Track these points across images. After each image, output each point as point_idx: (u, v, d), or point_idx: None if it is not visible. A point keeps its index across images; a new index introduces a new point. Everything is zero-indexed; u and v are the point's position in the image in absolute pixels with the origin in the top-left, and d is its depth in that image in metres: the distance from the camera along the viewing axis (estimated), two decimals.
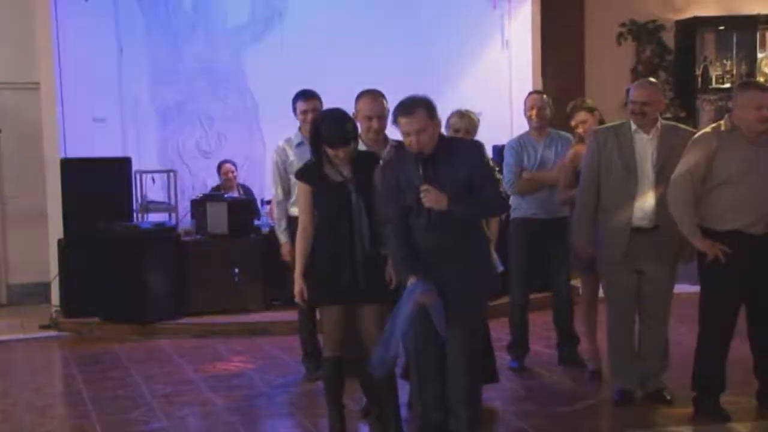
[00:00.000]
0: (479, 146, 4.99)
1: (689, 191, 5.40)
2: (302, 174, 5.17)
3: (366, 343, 5.10)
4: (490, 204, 4.92)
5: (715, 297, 5.48)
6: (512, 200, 6.61)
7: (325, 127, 4.97)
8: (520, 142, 6.86)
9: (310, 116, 6.44)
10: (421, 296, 4.68)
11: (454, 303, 4.75)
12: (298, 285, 5.15)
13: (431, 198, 4.68)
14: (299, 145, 6.60)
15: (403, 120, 4.75)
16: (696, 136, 5.59)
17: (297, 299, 5.22)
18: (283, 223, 6.66)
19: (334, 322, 5.11)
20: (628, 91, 6.07)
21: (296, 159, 6.50)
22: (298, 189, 5.24)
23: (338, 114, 5.04)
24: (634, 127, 5.77)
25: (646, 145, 5.73)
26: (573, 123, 6.60)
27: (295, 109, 6.68)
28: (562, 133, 6.94)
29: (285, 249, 6.61)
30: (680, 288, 6.74)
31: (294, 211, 6.43)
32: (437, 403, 4.93)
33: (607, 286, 5.99)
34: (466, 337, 4.83)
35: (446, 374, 4.88)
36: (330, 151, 4.96)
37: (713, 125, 5.67)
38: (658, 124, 5.80)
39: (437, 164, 4.76)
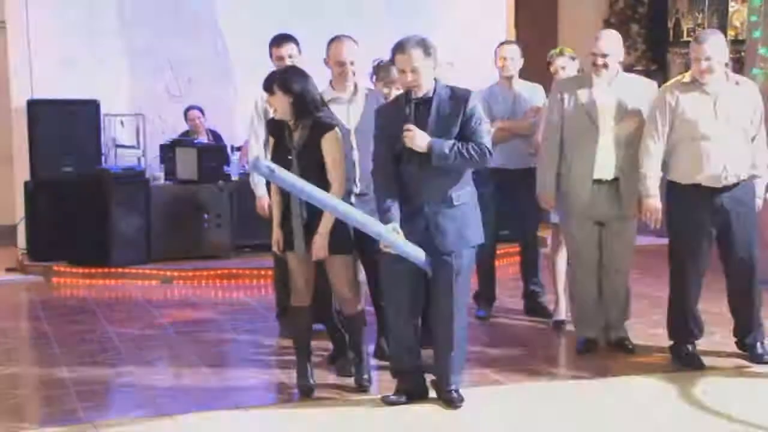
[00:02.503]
0: (468, 95, 4.95)
1: (650, 144, 5.51)
2: (269, 125, 5.25)
3: (338, 296, 5.18)
4: (474, 155, 4.84)
5: (683, 248, 5.55)
6: None
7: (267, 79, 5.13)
8: (491, 92, 6.81)
9: (286, 62, 6.31)
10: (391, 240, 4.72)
11: (441, 251, 4.81)
12: (276, 234, 5.17)
13: (412, 137, 4.69)
14: None
15: (398, 57, 4.79)
16: (660, 88, 5.67)
17: (274, 248, 5.24)
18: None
19: (298, 273, 5.14)
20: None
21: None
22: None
23: (285, 71, 5.13)
24: (595, 78, 5.77)
25: (607, 97, 5.73)
26: (552, 69, 6.57)
27: (271, 55, 6.47)
28: (531, 83, 6.92)
29: (263, 202, 6.43)
30: (646, 240, 6.84)
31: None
32: (410, 343, 4.98)
33: (569, 238, 6.04)
34: (456, 283, 4.88)
35: (419, 317, 4.96)
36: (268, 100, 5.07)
37: (676, 78, 5.74)
38: (619, 76, 5.80)
39: (429, 108, 4.78)
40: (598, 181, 5.72)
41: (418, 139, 4.70)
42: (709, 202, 5.39)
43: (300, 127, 4.98)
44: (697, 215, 5.43)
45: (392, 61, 4.91)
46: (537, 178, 6.05)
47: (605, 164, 5.71)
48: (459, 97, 4.89)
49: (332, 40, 5.69)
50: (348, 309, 5.23)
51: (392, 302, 5.00)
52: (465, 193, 4.90)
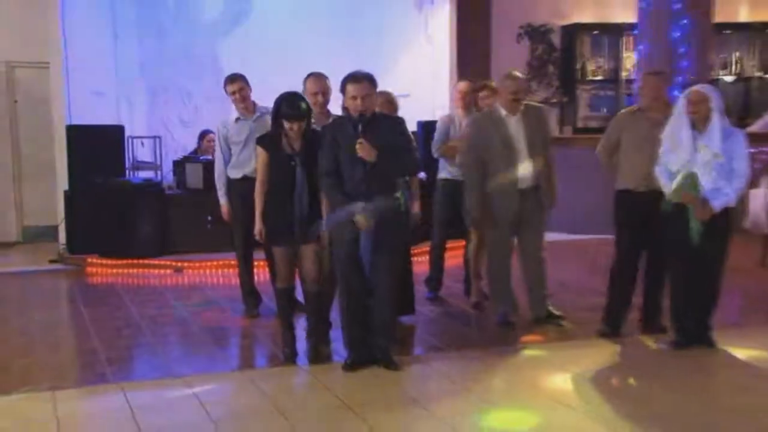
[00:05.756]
0: (402, 121, 5.08)
1: (603, 157, 5.65)
2: (261, 141, 5.17)
3: (304, 277, 5.13)
4: (408, 164, 4.96)
5: (621, 239, 5.59)
6: (440, 163, 6.64)
7: (284, 105, 4.97)
8: (450, 117, 6.76)
9: (238, 96, 6.24)
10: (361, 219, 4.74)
11: (380, 239, 4.77)
12: (258, 226, 5.15)
13: (364, 149, 4.74)
14: (237, 120, 6.38)
15: (352, 86, 4.82)
16: (616, 115, 5.83)
17: (257, 237, 5.22)
18: (223, 188, 6.42)
19: (282, 260, 5.14)
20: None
21: (234, 132, 6.32)
22: (258, 152, 5.16)
23: (295, 95, 5.06)
24: (504, 112, 5.76)
25: (516, 126, 5.74)
26: (480, 97, 6.51)
27: (226, 91, 6.38)
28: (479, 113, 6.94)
29: (224, 209, 6.41)
30: (559, 236, 6.90)
31: (233, 173, 6.33)
32: (358, 325, 4.96)
33: (492, 237, 5.97)
34: (388, 267, 4.85)
35: (368, 298, 4.91)
36: (286, 125, 4.96)
37: (627, 108, 5.81)
38: (521, 107, 5.81)
39: (371, 128, 4.83)
40: (521, 191, 5.73)
41: (368, 150, 4.73)
42: None
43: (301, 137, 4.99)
44: (631, 215, 5.55)
45: (343, 90, 4.90)
46: (467, 196, 5.94)
47: (525, 177, 5.73)
48: (394, 122, 4.99)
49: (307, 76, 5.67)
50: (313, 287, 5.16)
51: (345, 283, 4.94)
52: (400, 194, 4.90)
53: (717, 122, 5.00)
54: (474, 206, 5.86)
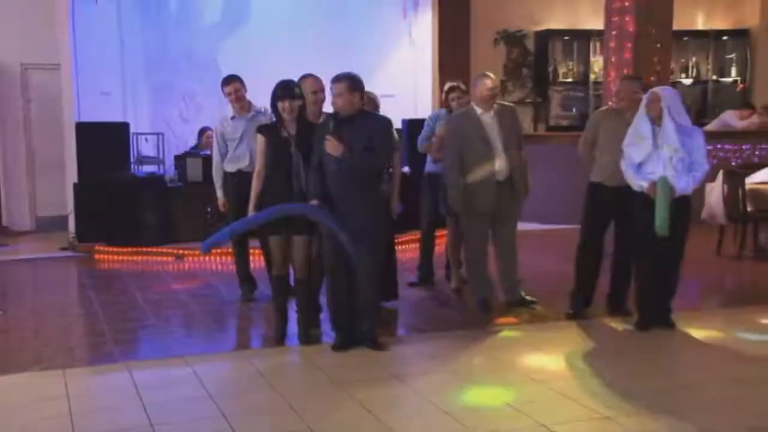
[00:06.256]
0: (383, 120, 5.01)
1: (584, 152, 5.64)
2: (261, 129, 5.15)
3: (294, 264, 5.07)
4: (373, 160, 4.84)
5: (589, 229, 5.60)
6: (428, 158, 6.56)
7: (279, 89, 4.98)
8: (437, 115, 6.67)
9: (233, 96, 6.21)
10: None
11: (359, 231, 4.70)
12: (251, 209, 5.09)
13: (330, 146, 4.72)
14: (232, 118, 6.34)
15: (333, 85, 4.84)
16: (593, 113, 5.81)
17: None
18: (220, 181, 6.39)
19: (276, 248, 5.10)
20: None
21: (231, 130, 6.30)
22: (258, 140, 5.11)
23: (290, 81, 5.05)
24: (479, 110, 5.74)
25: (491, 123, 5.73)
26: (450, 98, 6.43)
27: (223, 91, 6.34)
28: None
29: (221, 202, 6.40)
30: (532, 226, 6.90)
31: (228, 167, 6.31)
32: (344, 310, 4.95)
33: (469, 228, 5.92)
34: (369, 257, 4.81)
35: (352, 290, 4.88)
36: (280, 105, 4.93)
37: (604, 108, 5.77)
38: (495, 105, 5.80)
39: (351, 126, 4.78)
40: (497, 183, 5.72)
41: (334, 146, 4.70)
42: None
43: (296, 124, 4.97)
44: (602, 205, 5.58)
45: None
46: (448, 189, 5.88)
47: (500, 170, 5.71)
48: (375, 121, 4.92)
49: (304, 77, 5.52)
50: (302, 275, 5.08)
51: (332, 271, 4.91)
52: (374, 189, 4.89)
53: (667, 120, 5.07)
54: (454, 199, 5.83)
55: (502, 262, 5.99)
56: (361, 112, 4.89)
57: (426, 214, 6.73)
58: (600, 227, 5.59)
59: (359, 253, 4.75)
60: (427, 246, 6.87)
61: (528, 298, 5.99)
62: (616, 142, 5.37)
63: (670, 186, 5.02)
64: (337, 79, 4.83)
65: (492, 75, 5.85)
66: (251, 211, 5.06)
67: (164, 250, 8.50)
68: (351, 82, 4.81)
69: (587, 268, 5.64)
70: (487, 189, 5.74)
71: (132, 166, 9.19)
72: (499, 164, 5.73)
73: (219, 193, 6.45)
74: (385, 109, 6.20)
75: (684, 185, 5.09)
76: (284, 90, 4.96)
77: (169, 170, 9.48)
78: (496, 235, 5.95)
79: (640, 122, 5.18)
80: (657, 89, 5.23)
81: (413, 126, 8.45)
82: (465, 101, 6.26)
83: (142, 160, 9.40)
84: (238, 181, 6.13)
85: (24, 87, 10.15)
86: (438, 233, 6.96)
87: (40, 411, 4.02)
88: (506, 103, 6.31)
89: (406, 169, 7.28)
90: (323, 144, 4.80)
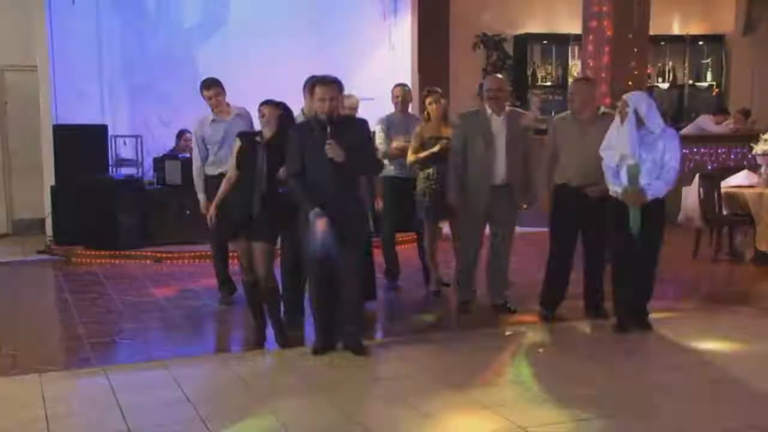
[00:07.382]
0: (366, 123, 5.06)
1: (545, 158, 5.64)
2: (240, 134, 5.18)
3: (256, 273, 4.97)
4: (371, 163, 4.95)
5: (557, 230, 5.62)
6: (385, 162, 6.44)
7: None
8: (388, 119, 6.63)
9: (213, 100, 6.17)
10: (320, 222, 4.64)
11: (344, 235, 4.70)
12: (211, 211, 5.14)
13: (334, 150, 4.66)
14: (213, 122, 6.30)
15: (321, 88, 4.73)
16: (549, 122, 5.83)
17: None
18: (202, 185, 6.33)
19: (243, 255, 5.03)
20: (481, 85, 5.99)
21: (211, 133, 6.26)
22: (234, 144, 5.12)
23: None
24: (489, 111, 5.71)
25: (499, 125, 5.71)
26: (427, 102, 6.31)
27: (202, 95, 6.30)
28: (414, 114, 6.92)
29: (203, 205, 6.26)
30: (529, 228, 6.88)
31: (210, 170, 6.27)
32: (325, 312, 4.93)
33: (465, 230, 5.94)
34: (353, 258, 4.80)
35: (334, 292, 4.84)
36: (259, 110, 4.98)
37: (560, 114, 5.82)
38: (507, 109, 5.79)
39: (339, 129, 4.74)
40: (494, 186, 5.70)
41: (337, 151, 4.65)
42: None
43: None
44: (566, 207, 5.58)
45: (311, 92, 4.87)
46: (448, 185, 5.85)
47: (499, 175, 5.70)
48: (359, 124, 4.95)
49: (315, 84, 5.12)
50: (265, 283, 4.98)
51: (314, 276, 4.91)
52: (361, 192, 4.90)
53: (629, 126, 5.09)
54: (454, 200, 5.82)
55: (491, 265, 5.98)
56: (346, 115, 4.93)
57: (386, 217, 6.66)
58: (568, 228, 5.56)
59: (344, 256, 4.73)
60: (391, 248, 6.83)
61: (510, 306, 5.93)
62: (573, 145, 5.45)
63: (639, 170, 5.04)
64: (326, 83, 4.75)
65: (500, 77, 5.92)
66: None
67: (142, 253, 8.44)
68: (340, 85, 4.81)
69: (557, 271, 5.65)
70: (480, 191, 5.73)
71: (110, 168, 9.13)
72: (498, 167, 5.72)
73: (201, 196, 6.38)
74: (364, 112, 6.21)
75: (656, 190, 5.12)
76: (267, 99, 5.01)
77: (148, 173, 9.43)
78: (489, 239, 5.93)
79: (615, 125, 5.23)
80: (626, 95, 5.27)
81: None
82: (444, 105, 6.28)
83: (121, 162, 9.35)
84: (219, 183, 6.06)
85: (1, 89, 10.05)
86: (398, 236, 6.97)
87: (16, 416, 3.98)
88: (521, 110, 6.29)
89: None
90: (311, 149, 4.73)
